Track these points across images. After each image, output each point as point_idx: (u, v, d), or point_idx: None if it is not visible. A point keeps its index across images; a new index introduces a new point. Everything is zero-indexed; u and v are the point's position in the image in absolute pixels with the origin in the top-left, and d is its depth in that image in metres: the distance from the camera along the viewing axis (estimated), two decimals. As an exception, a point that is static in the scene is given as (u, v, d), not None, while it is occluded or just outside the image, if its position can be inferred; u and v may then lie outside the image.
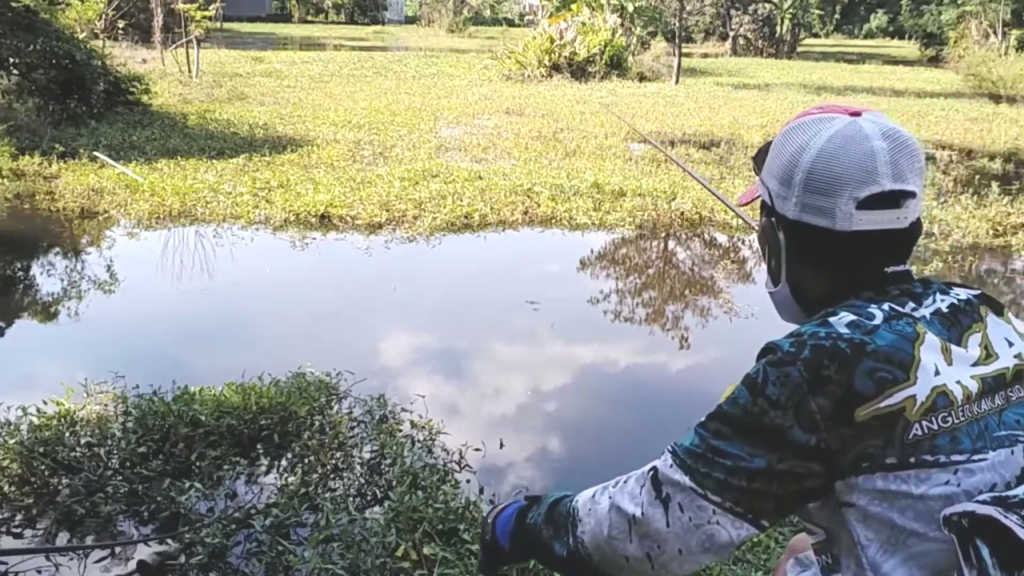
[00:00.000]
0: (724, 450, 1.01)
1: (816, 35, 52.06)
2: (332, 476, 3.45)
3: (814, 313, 1.10)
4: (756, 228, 1.28)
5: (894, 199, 1.06)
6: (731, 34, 39.30)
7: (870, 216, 1.05)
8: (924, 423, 0.98)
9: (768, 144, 1.18)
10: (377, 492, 3.35)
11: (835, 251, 1.09)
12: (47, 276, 6.47)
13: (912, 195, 1.07)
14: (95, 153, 9.47)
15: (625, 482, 1.13)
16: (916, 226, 1.10)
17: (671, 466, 1.06)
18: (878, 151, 1.05)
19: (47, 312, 5.68)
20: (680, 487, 1.04)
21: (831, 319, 1.03)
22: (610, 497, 1.12)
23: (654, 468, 1.09)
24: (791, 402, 0.97)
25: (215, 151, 10.21)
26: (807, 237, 1.10)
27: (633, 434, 4.15)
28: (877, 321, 1.01)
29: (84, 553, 2.96)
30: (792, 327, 1.09)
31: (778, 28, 38.74)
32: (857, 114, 1.09)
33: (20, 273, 6.60)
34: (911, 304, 1.06)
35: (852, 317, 1.02)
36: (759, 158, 1.21)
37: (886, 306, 1.04)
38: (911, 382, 0.98)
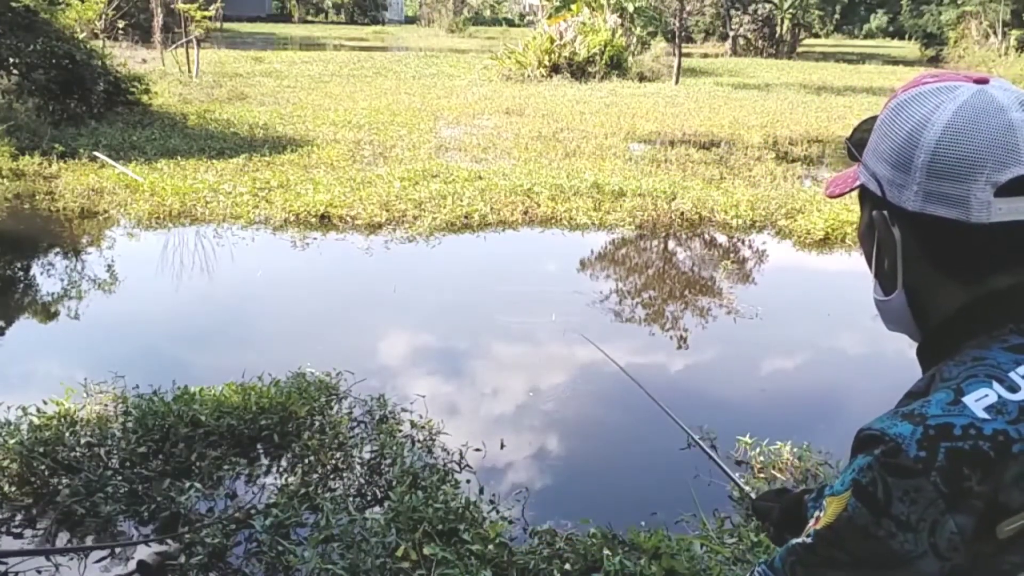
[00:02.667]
0: None
1: (816, 35, 51.97)
2: (332, 476, 3.45)
3: (935, 333, 0.94)
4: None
5: None
6: (731, 34, 39.30)
7: (1011, 204, 0.85)
8: None
9: (867, 121, 0.99)
10: (377, 492, 3.35)
11: (969, 250, 0.89)
12: (47, 276, 6.47)
13: None
14: (95, 153, 9.48)
15: None
16: None
17: None
18: (1017, 124, 0.86)
19: (47, 312, 5.69)
20: None
21: (966, 397, 0.82)
22: None
23: None
24: (924, 523, 0.79)
25: (215, 151, 10.21)
26: (932, 233, 0.90)
27: (633, 433, 4.15)
28: (1022, 395, 0.82)
29: (84, 553, 2.96)
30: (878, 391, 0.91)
31: (778, 28, 38.76)
32: (983, 81, 0.91)
33: (20, 273, 6.60)
34: None
35: (990, 393, 0.82)
36: (857, 139, 1.00)
37: None
38: None
